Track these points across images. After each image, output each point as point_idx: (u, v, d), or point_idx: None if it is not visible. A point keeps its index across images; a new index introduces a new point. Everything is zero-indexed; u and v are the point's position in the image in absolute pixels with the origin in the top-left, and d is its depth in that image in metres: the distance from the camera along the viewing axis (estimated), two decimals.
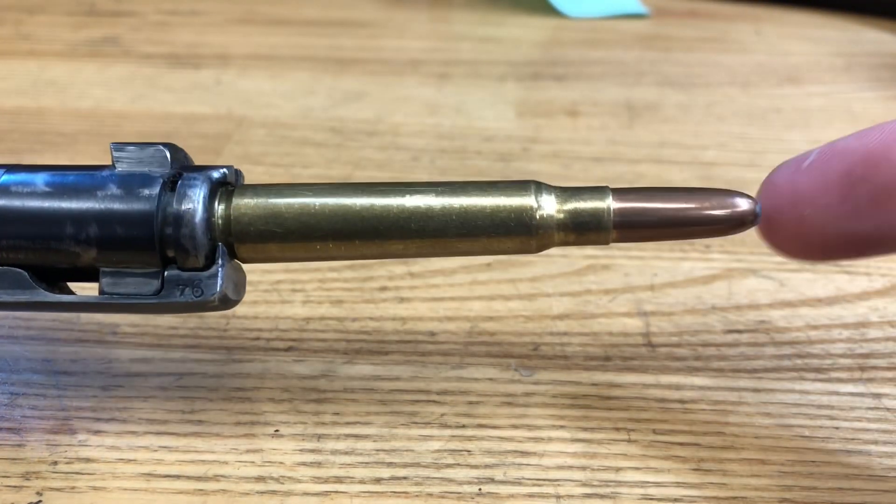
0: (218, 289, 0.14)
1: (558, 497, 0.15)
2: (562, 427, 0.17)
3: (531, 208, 0.13)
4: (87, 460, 0.16)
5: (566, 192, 0.14)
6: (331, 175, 0.26)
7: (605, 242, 0.14)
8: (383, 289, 0.21)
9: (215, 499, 0.15)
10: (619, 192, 0.13)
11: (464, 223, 0.14)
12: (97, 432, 0.16)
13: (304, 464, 0.16)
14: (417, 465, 0.16)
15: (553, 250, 0.22)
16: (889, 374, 0.19)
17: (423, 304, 0.20)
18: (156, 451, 0.16)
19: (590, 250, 0.23)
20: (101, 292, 0.14)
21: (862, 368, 0.19)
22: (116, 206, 0.13)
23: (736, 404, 0.18)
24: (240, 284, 0.15)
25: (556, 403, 0.17)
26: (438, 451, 0.16)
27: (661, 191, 0.14)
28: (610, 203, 0.13)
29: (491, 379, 0.18)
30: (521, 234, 0.14)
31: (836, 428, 0.17)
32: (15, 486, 0.15)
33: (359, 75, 0.34)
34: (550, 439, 0.17)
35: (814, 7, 0.43)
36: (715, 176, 0.27)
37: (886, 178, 0.12)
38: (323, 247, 0.14)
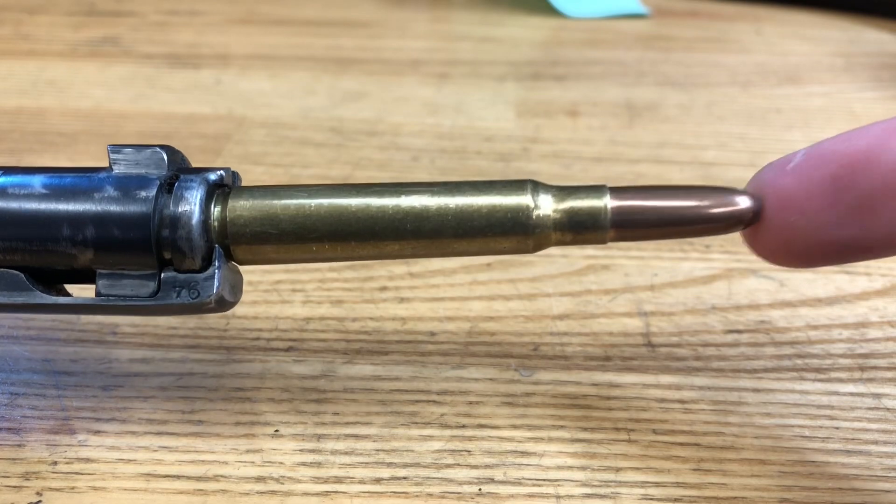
0: (214, 291, 0.14)
1: (558, 497, 0.15)
2: (562, 427, 0.17)
3: (528, 208, 0.13)
4: (87, 460, 0.16)
5: (563, 191, 0.13)
6: (331, 175, 0.26)
7: (603, 242, 0.13)
8: (383, 289, 0.21)
9: (215, 499, 0.15)
10: (617, 191, 0.13)
11: (460, 223, 0.13)
12: (97, 432, 0.16)
13: (304, 464, 0.16)
14: (417, 465, 0.16)
15: (553, 250, 0.23)
16: (889, 374, 0.19)
17: (423, 304, 0.20)
18: (156, 451, 0.16)
19: (590, 250, 0.23)
20: (98, 294, 0.14)
21: (862, 368, 0.19)
22: (113, 208, 0.13)
23: (736, 404, 0.18)
24: (236, 286, 0.15)
25: (556, 403, 0.17)
26: (438, 451, 0.16)
27: (660, 189, 0.13)
28: (607, 202, 0.13)
29: (491, 379, 0.18)
30: (518, 233, 0.13)
31: (837, 428, 0.17)
32: (15, 487, 0.15)
33: (359, 75, 0.34)
34: (550, 439, 0.17)
35: (814, 7, 0.43)
36: (715, 176, 0.27)
37: (873, 184, 0.11)
38: (319, 248, 0.14)
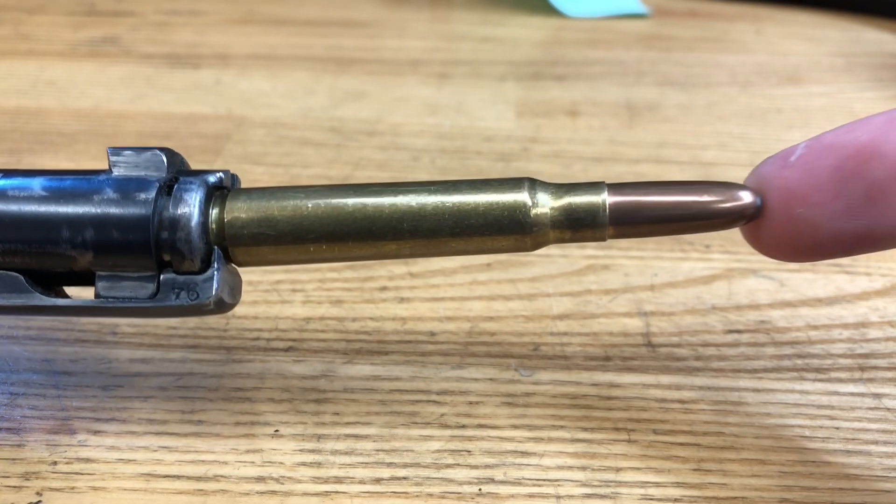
0: (213, 292, 0.14)
1: (558, 497, 0.15)
2: (562, 427, 0.17)
3: (525, 205, 0.13)
4: (87, 460, 0.16)
5: (560, 189, 0.13)
6: (331, 175, 0.26)
7: (602, 239, 0.13)
8: (383, 289, 0.21)
9: (215, 499, 0.15)
10: (615, 187, 0.13)
11: (457, 222, 0.13)
12: (97, 432, 0.16)
13: (303, 464, 0.16)
14: (417, 465, 0.16)
15: (553, 250, 0.23)
16: (889, 374, 0.18)
17: (423, 304, 0.20)
18: (155, 451, 0.16)
19: (590, 250, 0.23)
20: (97, 296, 0.14)
21: (862, 368, 0.19)
22: (113, 210, 0.13)
23: (736, 404, 0.18)
24: (235, 288, 0.15)
25: (556, 403, 0.17)
26: (438, 451, 0.16)
27: (658, 185, 0.13)
28: (605, 198, 0.13)
29: (491, 379, 0.18)
30: (516, 232, 0.13)
31: (837, 428, 0.17)
32: (15, 487, 0.15)
33: (359, 75, 0.34)
34: (550, 439, 0.17)
35: (815, 7, 0.43)
36: (715, 176, 0.27)
37: (880, 174, 0.11)
38: (317, 248, 0.14)
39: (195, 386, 0.18)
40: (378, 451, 0.16)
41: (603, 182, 0.13)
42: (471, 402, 0.17)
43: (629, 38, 0.39)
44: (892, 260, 0.23)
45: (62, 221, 0.13)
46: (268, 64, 0.35)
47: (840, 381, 0.18)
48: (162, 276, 0.14)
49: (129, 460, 0.16)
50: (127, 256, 0.13)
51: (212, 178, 0.14)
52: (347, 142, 0.29)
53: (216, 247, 0.14)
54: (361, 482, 0.16)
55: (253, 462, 0.16)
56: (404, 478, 0.16)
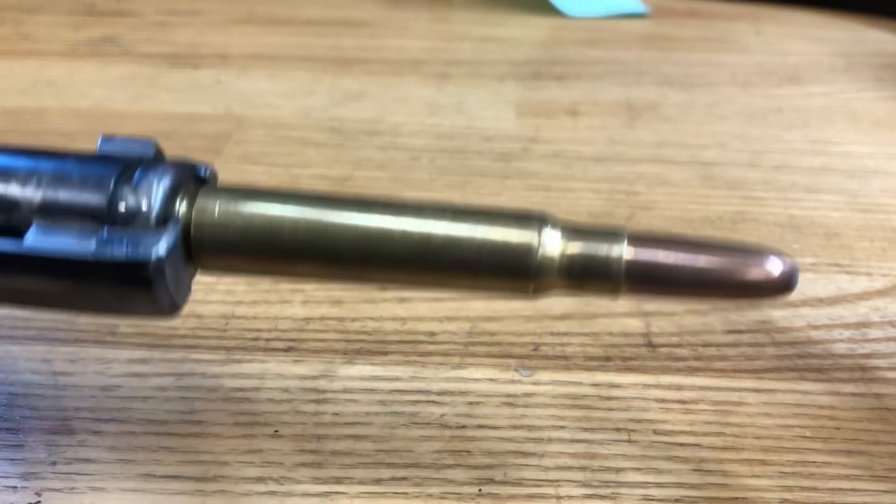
0: (161, 252, 0.12)
1: (558, 497, 0.15)
2: (562, 427, 0.17)
3: (532, 247, 0.12)
4: (87, 461, 0.16)
5: (574, 233, 0.12)
6: (331, 175, 0.26)
7: (613, 297, 0.12)
8: (383, 289, 0.21)
9: (215, 499, 0.15)
10: (637, 241, 0.11)
11: (453, 257, 0.12)
12: (96, 433, 0.16)
13: (303, 464, 0.16)
14: (417, 465, 0.16)
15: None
16: (890, 374, 0.18)
17: (423, 304, 0.20)
18: (155, 451, 0.16)
19: None
20: (28, 244, 0.12)
21: (863, 368, 0.19)
22: (72, 163, 0.12)
23: (737, 404, 0.18)
24: (184, 283, 0.13)
25: (556, 404, 0.17)
26: (438, 451, 0.16)
27: (685, 244, 0.12)
28: (623, 252, 0.11)
29: (491, 379, 0.18)
30: (519, 275, 0.12)
31: (838, 428, 0.17)
32: (14, 487, 0.15)
33: (359, 75, 0.34)
34: (550, 440, 0.17)
35: (815, 7, 0.43)
36: (715, 175, 0.27)
37: None
38: (290, 267, 0.12)
39: (194, 386, 0.18)
40: (378, 451, 0.16)
41: (624, 231, 0.12)
42: (471, 403, 0.17)
43: (629, 38, 0.39)
44: (892, 260, 0.23)
45: (18, 168, 0.12)
46: (268, 64, 0.35)
47: (841, 381, 0.18)
48: (106, 231, 0.12)
49: (129, 461, 0.16)
50: (76, 202, 0.12)
51: (186, 164, 0.13)
52: (347, 142, 0.29)
53: (176, 218, 0.12)
54: (361, 482, 0.15)
55: (252, 462, 0.16)
56: (404, 478, 0.16)
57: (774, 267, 0.11)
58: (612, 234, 0.12)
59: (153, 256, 0.12)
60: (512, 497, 0.15)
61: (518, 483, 0.16)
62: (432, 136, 0.29)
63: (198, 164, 0.13)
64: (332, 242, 0.12)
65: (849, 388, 0.18)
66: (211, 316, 0.20)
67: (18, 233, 0.12)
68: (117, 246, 0.12)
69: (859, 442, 0.17)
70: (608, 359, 0.19)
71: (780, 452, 0.16)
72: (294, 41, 0.38)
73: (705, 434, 0.17)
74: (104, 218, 0.12)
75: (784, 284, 0.11)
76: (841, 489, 0.16)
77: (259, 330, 0.19)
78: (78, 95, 0.32)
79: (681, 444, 0.16)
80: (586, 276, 0.12)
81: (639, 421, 0.17)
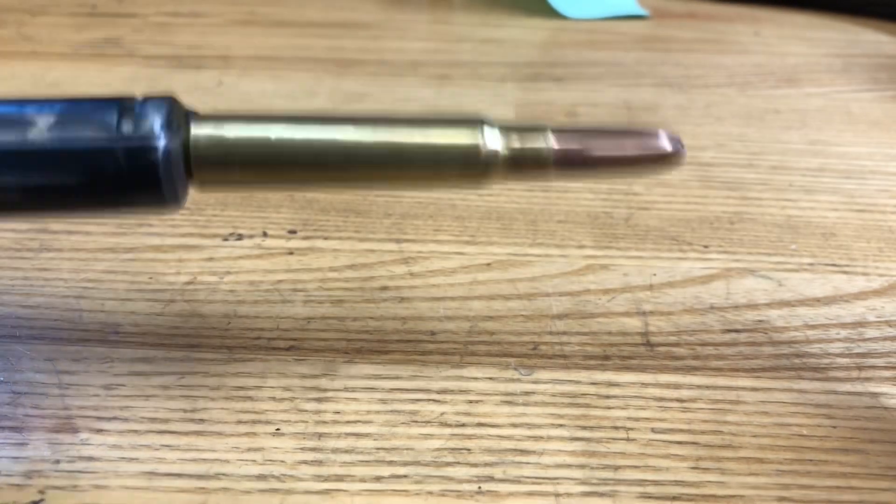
0: (167, 140, 0.13)
1: (557, 495, 0.15)
2: (561, 426, 0.17)
3: (477, 146, 0.14)
4: (90, 459, 0.16)
5: (510, 131, 0.15)
6: None
7: (544, 179, 0.15)
8: (384, 288, 0.21)
9: (217, 497, 0.15)
10: (560, 133, 0.15)
11: (417, 159, 0.14)
12: (99, 431, 0.17)
13: (305, 462, 0.16)
14: (417, 463, 0.16)
15: (552, 250, 0.23)
16: (887, 374, 0.19)
17: (423, 304, 0.21)
18: (158, 449, 0.16)
19: (589, 250, 0.23)
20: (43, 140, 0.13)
21: (860, 368, 0.19)
22: (80, 99, 0.14)
23: (734, 403, 0.18)
24: (182, 188, 0.14)
25: (555, 402, 0.18)
26: (438, 449, 0.16)
27: (595, 133, 0.15)
28: (550, 143, 0.14)
29: (490, 378, 0.18)
30: (465, 167, 0.15)
31: (834, 427, 0.17)
32: (17, 485, 0.15)
33: (360, 76, 0.34)
34: (550, 438, 0.17)
35: (812, 8, 0.43)
36: (713, 176, 0.27)
37: None
38: (276, 176, 0.14)
39: (197, 385, 0.18)
40: (378, 449, 0.16)
41: (547, 126, 0.15)
42: (470, 401, 0.18)
43: (628, 40, 0.39)
44: (889, 260, 0.23)
45: (31, 102, 0.14)
46: (269, 65, 0.35)
47: (838, 380, 0.18)
48: (116, 138, 0.13)
49: (132, 459, 0.16)
50: (88, 119, 0.13)
51: (178, 101, 0.14)
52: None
53: (176, 134, 0.14)
54: (362, 480, 0.16)
55: (254, 460, 0.16)
56: (404, 476, 0.16)
57: (665, 143, 0.15)
58: (540, 130, 0.15)
59: (160, 144, 0.14)
60: (511, 495, 0.15)
61: (517, 481, 0.16)
62: None
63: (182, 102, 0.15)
64: (315, 153, 0.14)
65: (845, 387, 0.18)
66: (213, 315, 0.20)
67: (34, 139, 0.14)
68: (125, 141, 0.13)
69: (856, 440, 0.17)
70: (607, 358, 0.19)
71: (777, 451, 0.16)
72: (295, 42, 0.38)
73: (703, 432, 0.17)
74: (112, 133, 0.13)
75: (674, 155, 0.15)
76: (838, 487, 0.16)
77: (261, 329, 0.20)
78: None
79: (679, 443, 0.17)
80: (523, 164, 0.15)
81: (637, 419, 0.17)
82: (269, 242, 0.23)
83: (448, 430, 0.17)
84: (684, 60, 0.37)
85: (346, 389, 0.18)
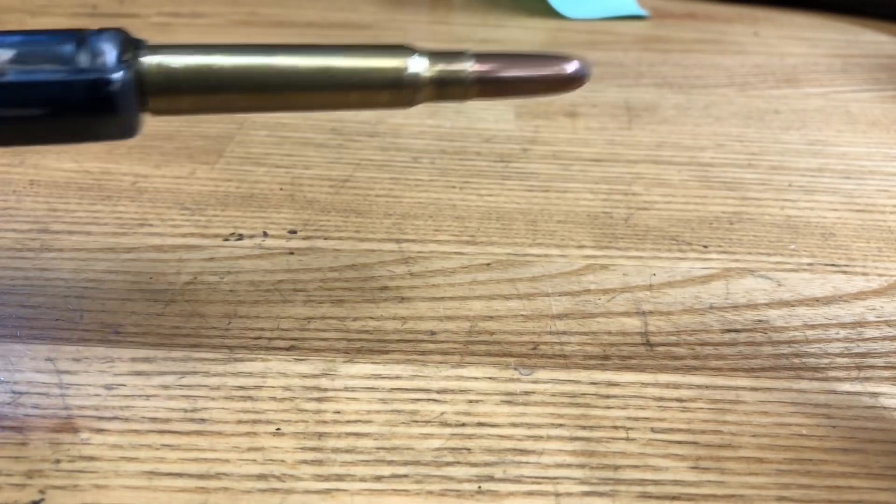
0: (123, 74, 0.14)
1: (557, 495, 0.15)
2: (561, 426, 0.17)
3: (403, 69, 0.16)
4: (90, 459, 0.16)
5: (434, 56, 0.16)
6: (332, 175, 0.27)
7: (465, 99, 0.16)
8: (384, 288, 0.21)
9: (217, 497, 0.15)
10: (480, 58, 0.16)
11: (345, 80, 0.15)
12: (100, 431, 0.17)
13: (305, 462, 0.16)
14: (418, 463, 0.16)
15: (552, 250, 0.23)
16: (886, 373, 0.19)
17: (423, 304, 0.21)
18: (158, 449, 0.16)
19: (588, 250, 0.23)
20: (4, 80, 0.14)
21: (859, 367, 0.19)
22: (36, 34, 0.14)
23: (734, 403, 0.18)
24: (137, 116, 0.15)
25: (555, 402, 0.18)
26: (438, 449, 0.16)
27: (514, 57, 0.16)
28: (471, 66, 0.16)
29: (490, 378, 0.18)
30: (394, 89, 0.16)
31: (834, 427, 0.17)
32: (18, 485, 0.15)
33: None
34: (549, 437, 0.17)
35: (811, 9, 0.43)
36: (713, 176, 0.27)
37: None
38: (222, 99, 0.15)
39: (197, 385, 0.18)
40: (378, 448, 0.16)
41: (469, 52, 0.16)
42: (470, 401, 0.18)
43: (628, 40, 0.39)
44: (888, 260, 0.23)
45: None
46: None
47: (837, 380, 0.18)
48: (74, 69, 0.14)
49: (132, 458, 0.16)
50: (46, 52, 0.14)
51: (128, 33, 0.15)
52: (348, 142, 0.29)
53: (130, 64, 0.14)
54: (362, 480, 0.16)
55: (255, 460, 0.16)
56: (405, 475, 0.16)
57: (572, 67, 0.16)
58: (462, 55, 0.16)
59: (116, 77, 0.14)
60: (511, 494, 0.15)
61: (517, 480, 0.16)
62: (432, 136, 0.29)
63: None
64: (255, 78, 0.15)
65: (845, 386, 0.18)
66: (213, 315, 0.20)
67: None
68: (84, 74, 0.14)
69: (855, 440, 0.17)
70: (606, 357, 0.19)
71: (776, 450, 0.17)
72: (295, 43, 0.38)
73: (702, 432, 0.17)
74: (69, 67, 0.14)
75: (578, 78, 0.16)
76: (837, 487, 0.16)
77: (261, 329, 0.20)
78: None
79: (678, 442, 0.17)
80: (446, 86, 0.16)
81: (637, 419, 0.17)
82: (269, 242, 0.23)
83: (448, 430, 0.17)
84: (684, 61, 0.37)
85: (346, 389, 0.18)
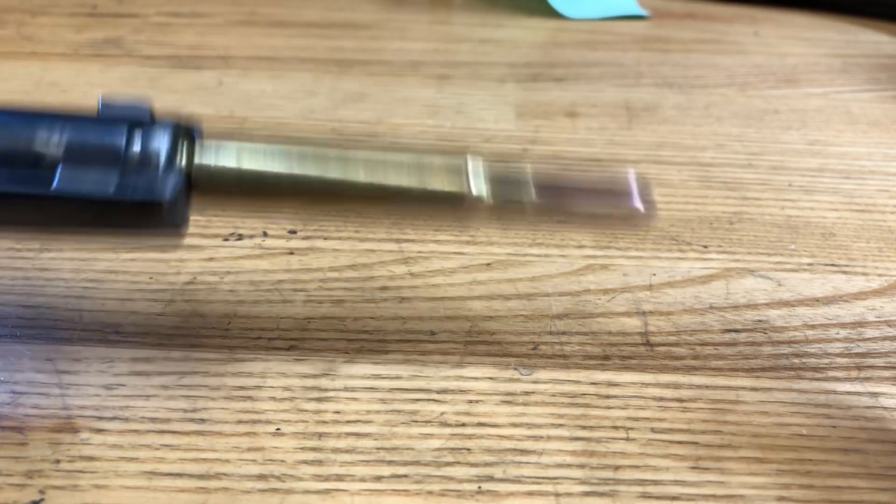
0: (170, 191, 0.14)
1: (557, 495, 0.15)
2: (561, 426, 0.17)
3: (462, 195, 0.15)
4: (90, 459, 0.16)
5: (495, 180, 0.15)
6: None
7: (523, 225, 0.17)
8: (384, 288, 0.21)
9: (217, 497, 0.15)
10: (540, 187, 0.16)
11: (402, 197, 0.15)
12: (99, 431, 0.17)
13: (305, 462, 0.16)
14: (418, 463, 0.16)
15: (552, 250, 0.23)
16: (886, 373, 0.19)
17: (423, 304, 0.21)
18: (158, 449, 0.16)
19: (588, 250, 0.23)
20: (56, 188, 0.14)
21: (859, 367, 0.19)
22: (88, 121, 0.15)
23: (734, 403, 0.18)
24: (185, 216, 0.15)
25: (555, 402, 0.18)
26: (438, 449, 0.16)
27: (575, 189, 0.16)
28: (532, 196, 0.15)
29: (490, 378, 0.18)
30: (452, 210, 0.16)
31: (834, 427, 0.17)
32: (18, 485, 0.15)
33: (360, 77, 0.34)
34: (549, 438, 0.17)
35: (811, 9, 0.43)
36: (713, 176, 0.27)
37: None
38: (271, 204, 0.16)
39: (197, 385, 0.18)
40: (378, 449, 0.16)
41: (529, 177, 0.15)
42: (470, 401, 0.18)
43: (628, 40, 0.39)
44: (888, 260, 0.23)
45: (41, 122, 0.14)
46: (269, 65, 0.35)
47: (837, 380, 0.18)
48: (123, 175, 0.14)
49: (132, 458, 0.16)
50: (96, 154, 0.14)
51: (182, 123, 0.15)
52: (349, 143, 0.29)
53: (180, 166, 0.15)
54: (362, 480, 0.16)
55: (254, 460, 0.16)
56: (405, 475, 0.16)
57: (638, 203, 0.15)
58: (522, 181, 0.15)
59: (164, 198, 0.14)
60: (511, 494, 0.15)
61: (517, 480, 0.16)
62: (432, 137, 0.29)
63: (189, 121, 0.16)
64: (308, 188, 0.15)
65: (845, 386, 0.18)
66: (214, 315, 0.20)
67: (46, 179, 0.14)
68: (132, 189, 0.14)
69: (855, 440, 0.17)
70: (606, 358, 0.19)
71: (776, 450, 0.17)
72: (295, 43, 0.38)
73: (703, 432, 0.17)
74: (119, 165, 0.14)
75: (646, 216, 0.15)
76: (837, 487, 0.16)
77: (261, 329, 0.20)
78: (81, 97, 0.32)
79: (678, 443, 0.17)
80: (505, 211, 0.16)
81: (637, 419, 0.17)
82: (269, 242, 0.23)
83: (448, 430, 0.17)
84: (684, 60, 0.37)
85: (346, 389, 0.18)
